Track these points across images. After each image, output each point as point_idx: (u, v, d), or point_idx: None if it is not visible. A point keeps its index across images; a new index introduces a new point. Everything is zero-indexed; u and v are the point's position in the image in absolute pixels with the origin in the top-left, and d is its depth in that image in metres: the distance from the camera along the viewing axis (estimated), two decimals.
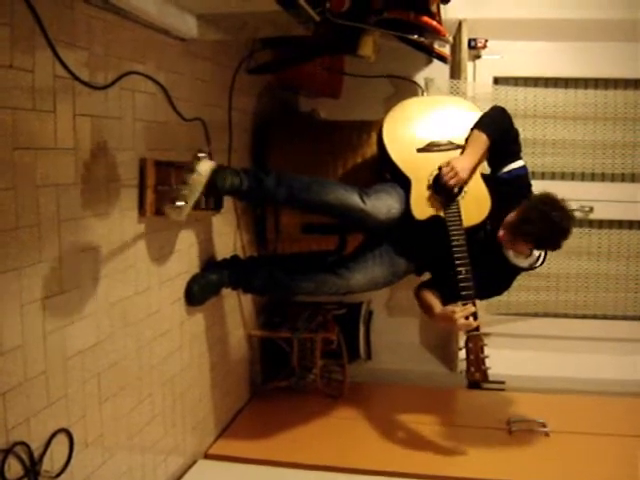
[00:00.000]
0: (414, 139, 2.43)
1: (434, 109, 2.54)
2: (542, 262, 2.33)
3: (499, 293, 2.49)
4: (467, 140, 2.36)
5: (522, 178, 2.38)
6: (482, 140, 2.31)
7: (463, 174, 2.25)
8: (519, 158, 2.39)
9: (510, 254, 2.28)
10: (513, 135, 2.40)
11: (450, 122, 2.48)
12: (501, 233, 2.24)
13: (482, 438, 2.55)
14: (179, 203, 1.91)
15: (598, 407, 2.89)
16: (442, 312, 2.22)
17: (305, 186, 2.20)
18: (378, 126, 2.63)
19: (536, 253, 2.29)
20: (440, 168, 2.29)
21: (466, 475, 2.29)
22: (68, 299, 1.60)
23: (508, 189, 2.33)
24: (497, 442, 2.53)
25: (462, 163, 2.27)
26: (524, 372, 3.17)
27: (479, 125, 2.35)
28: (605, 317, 3.36)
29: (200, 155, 1.98)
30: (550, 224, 2.13)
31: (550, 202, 2.17)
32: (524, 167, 2.39)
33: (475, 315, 2.16)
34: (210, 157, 2.05)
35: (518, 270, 2.37)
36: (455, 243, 2.21)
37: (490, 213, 2.28)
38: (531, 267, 2.34)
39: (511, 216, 2.22)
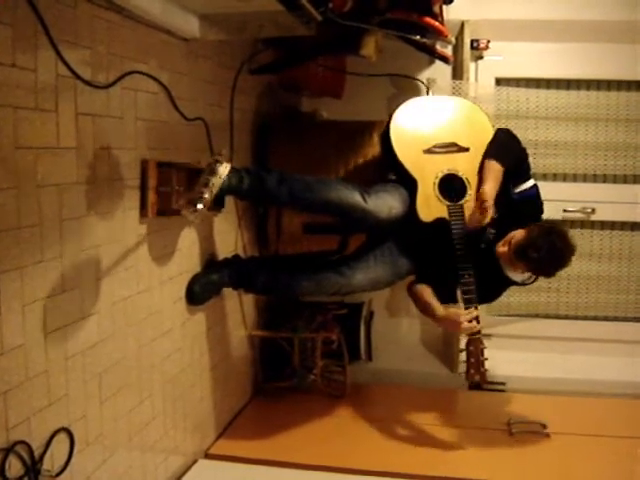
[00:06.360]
0: (420, 140, 2.41)
1: (440, 110, 2.53)
2: (534, 281, 2.37)
3: (489, 301, 2.51)
4: (483, 170, 2.32)
5: (533, 199, 2.39)
6: (497, 169, 2.30)
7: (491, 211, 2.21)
8: (529, 177, 2.40)
9: (506, 266, 2.30)
10: (523, 156, 2.41)
11: (455, 124, 2.48)
12: (502, 249, 2.24)
13: (483, 439, 2.55)
14: (200, 206, 1.90)
15: (599, 408, 2.89)
16: (446, 315, 2.25)
17: (307, 185, 2.19)
18: (380, 126, 2.63)
19: None
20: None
21: (466, 476, 2.29)
22: (69, 299, 1.60)
23: (519, 209, 2.35)
24: (498, 443, 2.52)
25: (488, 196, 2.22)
26: (525, 373, 3.17)
27: (491, 155, 2.34)
28: (606, 319, 3.35)
29: (221, 157, 1.98)
30: (554, 257, 2.15)
31: (559, 235, 2.18)
32: (535, 186, 2.39)
33: (477, 319, 2.18)
34: (229, 159, 2.03)
35: (511, 283, 2.40)
36: (459, 247, 2.22)
37: (495, 222, 2.28)
38: (523, 283, 2.38)
39: (519, 234, 2.21)
